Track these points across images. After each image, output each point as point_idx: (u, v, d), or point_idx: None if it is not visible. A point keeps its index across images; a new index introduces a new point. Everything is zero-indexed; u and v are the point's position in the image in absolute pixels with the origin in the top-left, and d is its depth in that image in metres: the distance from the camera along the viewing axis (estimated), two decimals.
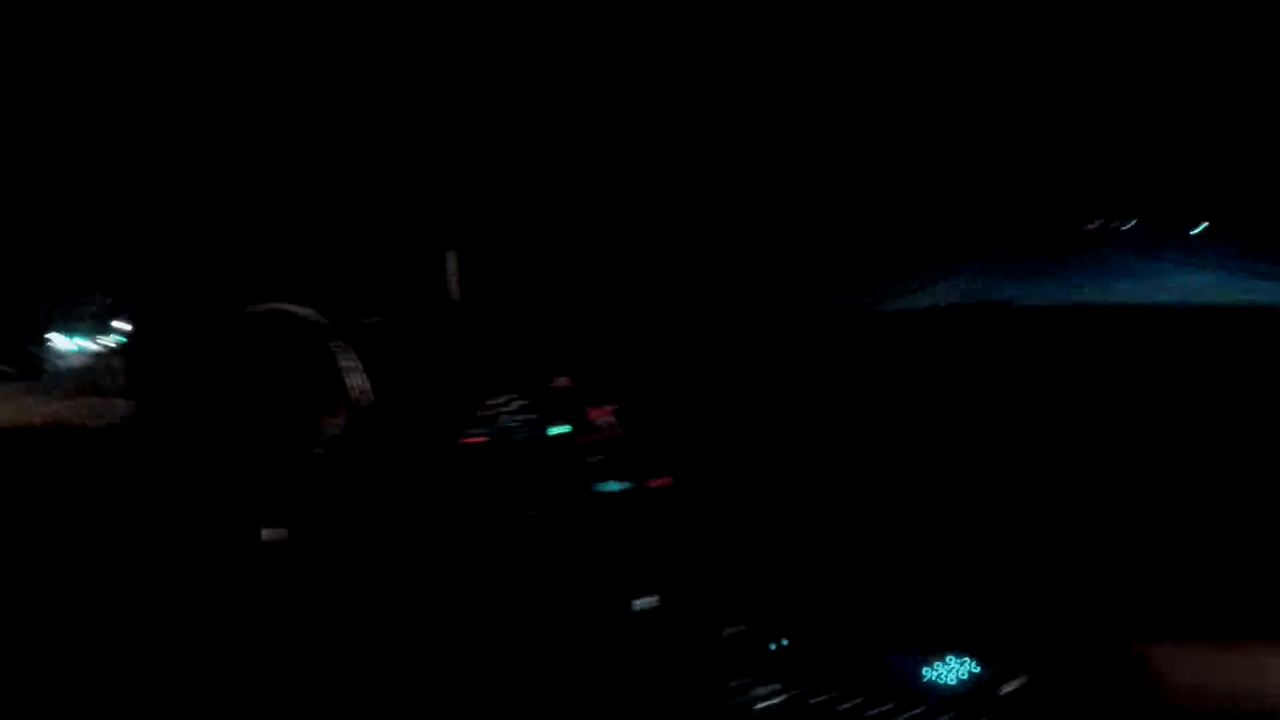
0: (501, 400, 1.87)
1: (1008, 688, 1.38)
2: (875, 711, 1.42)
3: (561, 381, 1.84)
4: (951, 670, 1.42)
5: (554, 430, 1.81)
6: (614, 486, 1.71)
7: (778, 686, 1.47)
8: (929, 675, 1.42)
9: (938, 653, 1.42)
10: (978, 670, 1.40)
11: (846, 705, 1.44)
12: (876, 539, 1.58)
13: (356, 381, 1.73)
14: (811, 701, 1.45)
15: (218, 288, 1.92)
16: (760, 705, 1.47)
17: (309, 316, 1.77)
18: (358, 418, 1.75)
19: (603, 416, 1.78)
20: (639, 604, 1.59)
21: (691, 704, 1.52)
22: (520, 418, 1.85)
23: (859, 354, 1.81)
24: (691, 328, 1.90)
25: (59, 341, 2.61)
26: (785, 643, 1.50)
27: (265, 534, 1.72)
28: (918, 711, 1.40)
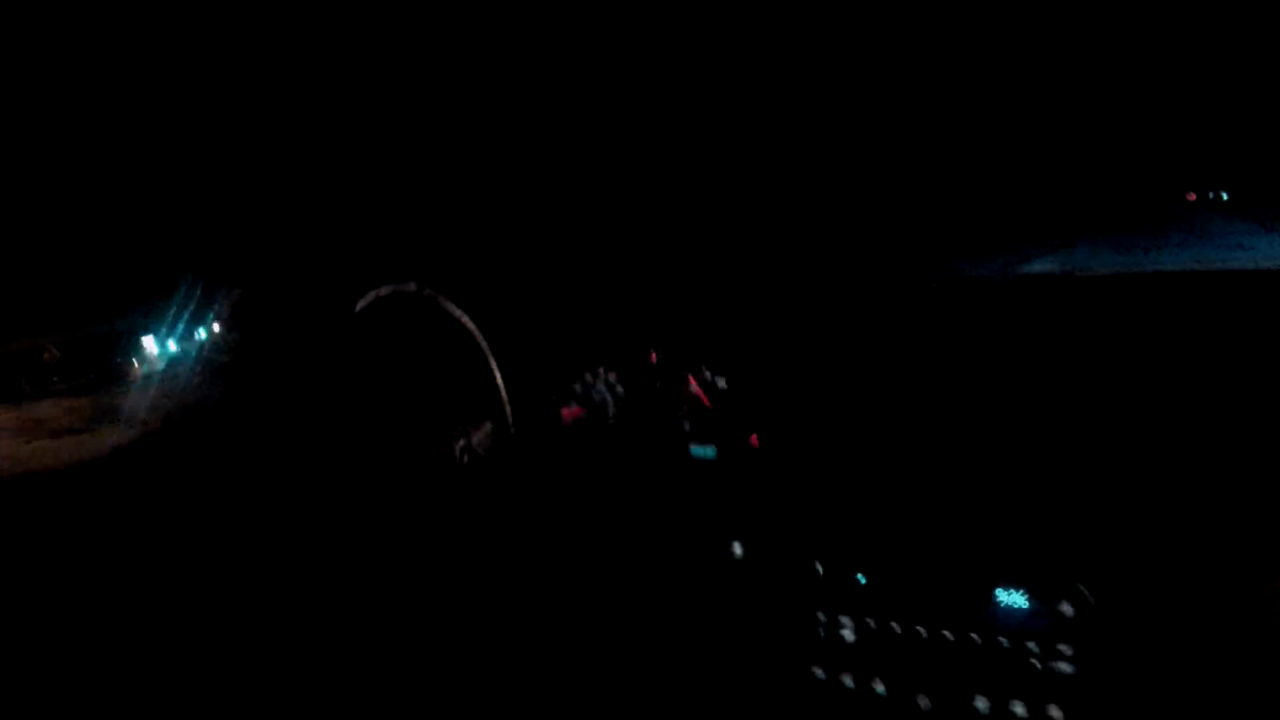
0: (597, 374, 2.05)
1: (1063, 612, 1.61)
2: (946, 634, 1.67)
3: (652, 355, 2.02)
4: (1012, 600, 1.65)
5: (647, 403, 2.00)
6: (707, 452, 1.91)
7: (862, 617, 1.71)
8: (994, 604, 1.66)
9: (1000, 585, 1.65)
10: (1033, 601, 1.64)
11: (921, 631, 1.68)
12: (942, 489, 1.79)
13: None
14: (891, 627, 1.70)
15: (330, 279, 2.03)
16: (845, 633, 1.72)
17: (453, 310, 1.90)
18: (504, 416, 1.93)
19: (691, 386, 1.97)
20: (738, 549, 1.82)
21: (788, 635, 1.76)
22: (616, 390, 2.03)
23: (920, 319, 1.97)
24: (770, 299, 2.05)
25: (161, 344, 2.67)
26: (864, 580, 1.73)
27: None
28: (982, 635, 1.64)
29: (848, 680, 1.72)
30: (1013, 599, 1.66)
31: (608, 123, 2.04)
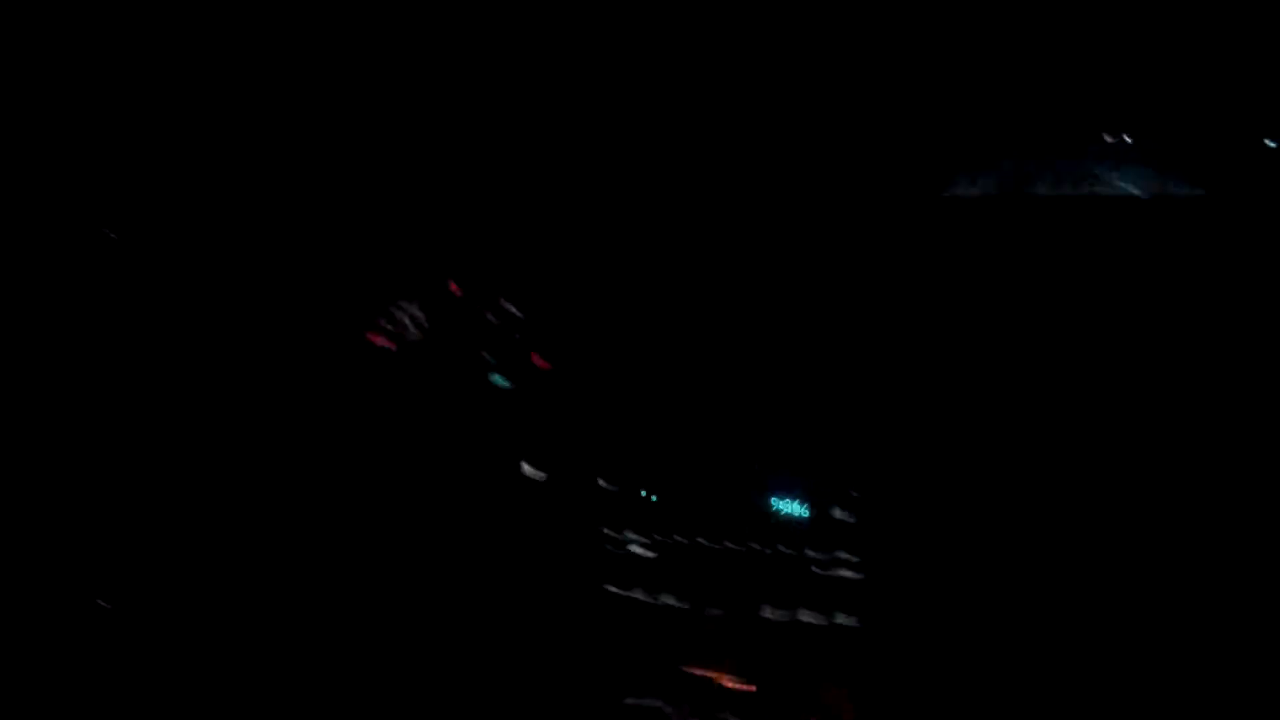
0: (402, 307, 2.04)
1: (838, 516, 1.61)
2: (730, 545, 1.67)
3: (453, 287, 2.00)
4: (790, 509, 1.65)
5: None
6: (502, 381, 1.91)
7: (650, 534, 1.72)
8: (774, 514, 1.65)
9: (777, 494, 1.65)
10: (808, 509, 1.63)
11: (708, 542, 1.68)
12: (719, 403, 1.78)
13: None
14: (678, 541, 1.70)
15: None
16: (635, 549, 1.73)
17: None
18: None
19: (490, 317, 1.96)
20: (528, 471, 1.82)
21: (579, 551, 1.77)
22: (421, 324, 2.02)
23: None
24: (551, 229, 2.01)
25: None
26: (654, 497, 1.73)
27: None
28: (764, 545, 1.65)
29: (639, 595, 1.73)
30: (790, 508, 1.65)
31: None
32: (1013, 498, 1.59)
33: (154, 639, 1.99)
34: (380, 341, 2.00)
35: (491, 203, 2.02)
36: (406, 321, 2.01)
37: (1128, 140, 1.90)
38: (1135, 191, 1.83)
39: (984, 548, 1.58)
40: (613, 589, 1.76)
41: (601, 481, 1.77)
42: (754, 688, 1.66)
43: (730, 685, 1.68)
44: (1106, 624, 1.53)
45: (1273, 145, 1.92)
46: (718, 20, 1.91)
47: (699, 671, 1.69)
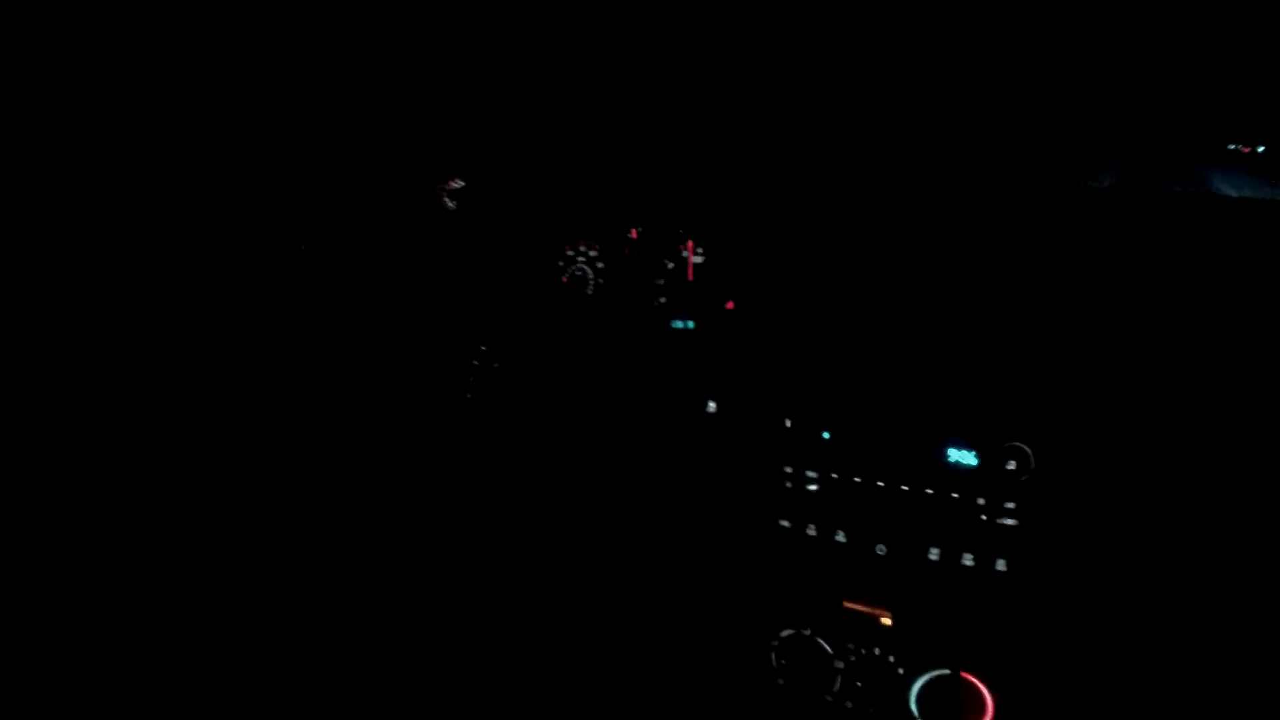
0: (578, 249, 2.16)
1: (1009, 468, 1.69)
2: (903, 488, 1.77)
3: (632, 231, 2.11)
4: (962, 458, 1.73)
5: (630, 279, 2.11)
6: (688, 324, 2.04)
7: (826, 472, 1.83)
8: (946, 461, 1.74)
9: (955, 441, 1.73)
10: (981, 459, 1.72)
11: (881, 484, 1.79)
12: (903, 355, 1.86)
13: None
14: (853, 481, 1.81)
15: None
16: (810, 486, 1.85)
17: None
18: None
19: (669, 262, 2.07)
20: (713, 407, 1.96)
21: (758, 488, 1.90)
22: (597, 265, 2.15)
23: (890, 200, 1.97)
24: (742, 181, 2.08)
25: None
26: (828, 435, 1.84)
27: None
28: (935, 490, 1.74)
29: (811, 530, 1.85)
30: (963, 456, 1.74)
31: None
32: (1180, 476, 1.62)
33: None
34: (564, 281, 2.13)
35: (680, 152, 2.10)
36: (583, 262, 2.13)
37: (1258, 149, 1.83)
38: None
39: (1151, 519, 1.62)
40: (784, 523, 1.89)
41: (787, 421, 1.89)
42: (909, 625, 1.78)
43: (888, 622, 1.80)
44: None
45: None
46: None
47: (860, 608, 1.82)
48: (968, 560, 1.72)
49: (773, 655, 1.87)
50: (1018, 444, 1.70)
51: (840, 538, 1.83)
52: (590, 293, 2.14)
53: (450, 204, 2.26)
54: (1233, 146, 1.78)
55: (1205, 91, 1.75)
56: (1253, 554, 1.55)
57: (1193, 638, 1.60)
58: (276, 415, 2.36)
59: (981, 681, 1.69)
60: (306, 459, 2.35)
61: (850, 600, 1.82)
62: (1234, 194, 1.77)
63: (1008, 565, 1.69)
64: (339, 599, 2.29)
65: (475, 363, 2.18)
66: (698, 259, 2.04)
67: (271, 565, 2.34)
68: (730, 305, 2.02)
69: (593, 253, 2.13)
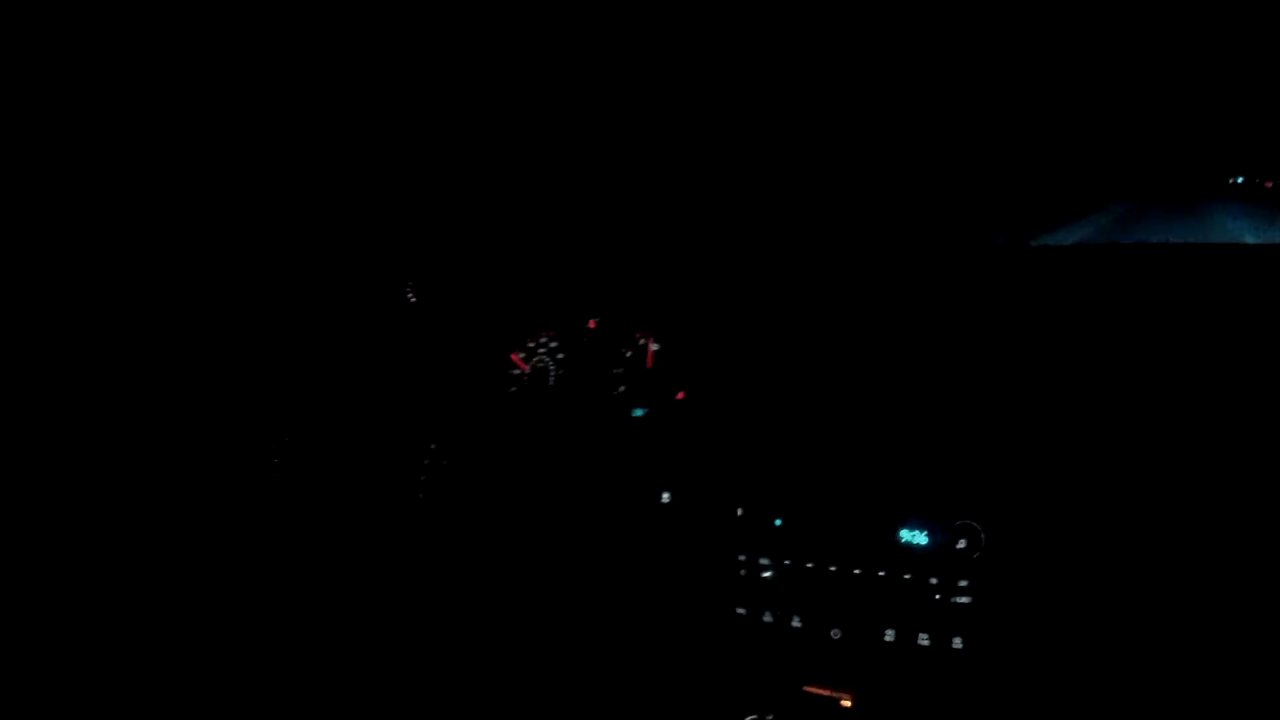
0: (539, 340, 2.22)
1: (960, 546, 1.74)
2: (856, 571, 1.80)
3: (590, 323, 2.18)
4: (914, 539, 1.78)
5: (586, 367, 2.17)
6: (641, 411, 2.09)
7: (779, 558, 1.86)
8: (898, 542, 1.79)
9: (906, 522, 1.78)
10: (932, 539, 1.77)
11: (834, 568, 1.82)
12: (851, 441, 1.93)
13: None
14: (806, 566, 1.84)
15: None
16: (765, 573, 1.86)
17: None
18: None
19: (629, 353, 2.14)
20: (666, 497, 1.98)
21: (712, 576, 1.91)
22: (557, 356, 2.21)
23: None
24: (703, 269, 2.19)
25: None
26: (780, 522, 1.87)
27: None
28: (888, 571, 1.78)
29: (767, 616, 1.86)
30: (914, 536, 1.78)
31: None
32: (1137, 543, 1.67)
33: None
34: (519, 366, 2.18)
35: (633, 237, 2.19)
36: (544, 353, 2.19)
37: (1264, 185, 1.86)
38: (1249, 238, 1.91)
39: (1105, 589, 1.66)
40: (740, 610, 1.89)
41: (739, 510, 1.92)
42: (870, 706, 1.78)
43: (848, 704, 1.79)
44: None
45: None
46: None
47: (820, 691, 1.81)
48: (924, 640, 1.74)
49: None
50: (968, 522, 1.75)
51: (796, 623, 1.83)
52: (552, 384, 2.18)
53: (411, 298, 2.32)
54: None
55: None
56: (1207, 629, 1.60)
57: (1150, 705, 1.62)
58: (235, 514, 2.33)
59: None
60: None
61: (810, 684, 1.81)
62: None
63: (963, 643, 1.72)
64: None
65: (425, 461, 2.18)
66: (655, 346, 2.11)
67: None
68: (681, 395, 2.08)
69: (554, 344, 2.19)
